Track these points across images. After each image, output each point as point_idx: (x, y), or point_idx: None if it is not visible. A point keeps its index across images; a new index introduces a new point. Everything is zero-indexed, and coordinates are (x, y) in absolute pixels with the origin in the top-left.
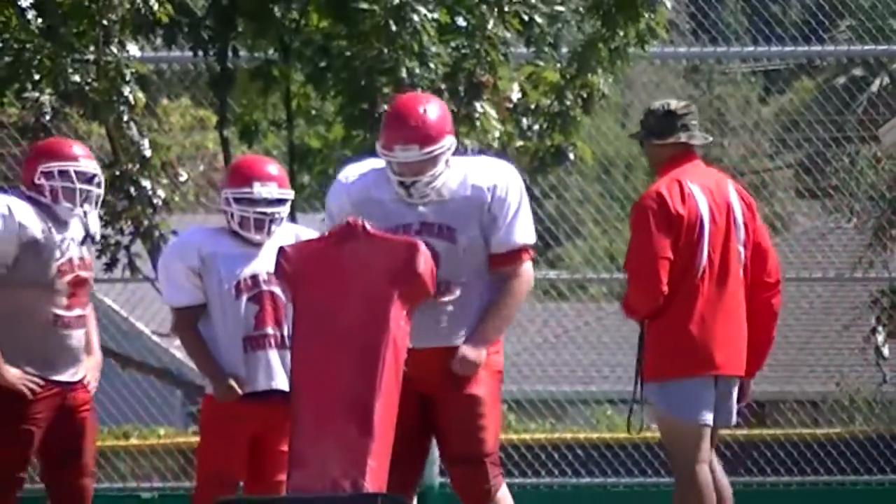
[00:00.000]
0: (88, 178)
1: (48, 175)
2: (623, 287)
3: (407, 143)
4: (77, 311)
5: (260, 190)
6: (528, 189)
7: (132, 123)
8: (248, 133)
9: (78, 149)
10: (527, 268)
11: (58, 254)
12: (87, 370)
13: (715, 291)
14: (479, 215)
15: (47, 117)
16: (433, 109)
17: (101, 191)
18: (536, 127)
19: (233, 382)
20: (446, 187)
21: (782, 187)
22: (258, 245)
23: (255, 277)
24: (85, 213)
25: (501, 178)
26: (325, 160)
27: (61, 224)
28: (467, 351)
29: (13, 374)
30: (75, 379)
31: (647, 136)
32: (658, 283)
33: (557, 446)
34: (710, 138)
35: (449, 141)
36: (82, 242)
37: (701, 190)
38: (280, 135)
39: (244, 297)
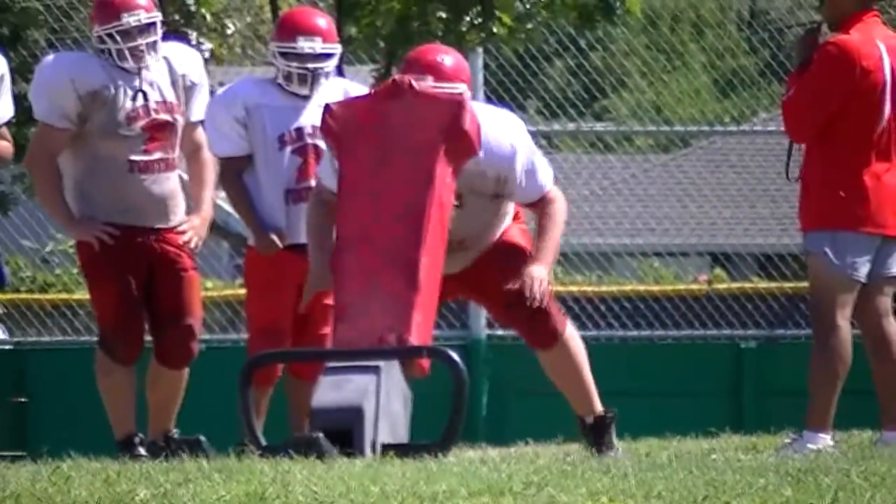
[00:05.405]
0: (142, 29)
1: (103, 39)
2: (668, 140)
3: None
4: (157, 155)
5: (304, 44)
6: (575, 41)
7: None
8: None
9: (123, 3)
10: (558, 195)
11: (126, 102)
12: (189, 226)
13: (891, 151)
14: (488, 185)
15: None
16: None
17: (157, 37)
18: None
19: (274, 236)
20: None
21: None
22: (305, 98)
23: (299, 130)
24: (143, 59)
25: (507, 149)
26: (373, 12)
27: (128, 73)
28: (536, 268)
29: (81, 225)
30: (166, 225)
31: None
32: (802, 128)
33: (604, 298)
34: None
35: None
36: (172, 84)
37: (887, 49)
38: None
39: (288, 150)
